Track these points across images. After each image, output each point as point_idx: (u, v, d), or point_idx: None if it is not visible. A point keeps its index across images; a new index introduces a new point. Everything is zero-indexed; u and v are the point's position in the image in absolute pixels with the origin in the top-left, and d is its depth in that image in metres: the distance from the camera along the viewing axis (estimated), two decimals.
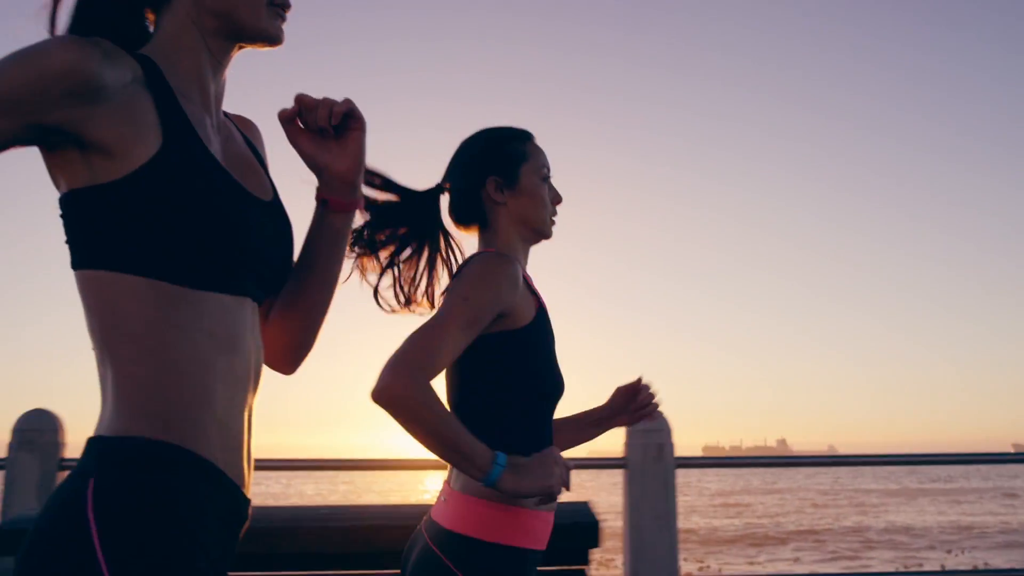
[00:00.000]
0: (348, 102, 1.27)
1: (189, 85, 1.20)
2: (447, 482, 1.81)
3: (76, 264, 1.11)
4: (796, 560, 17.53)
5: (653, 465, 3.61)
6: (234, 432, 1.15)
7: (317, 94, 1.29)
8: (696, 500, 37.00)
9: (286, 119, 1.28)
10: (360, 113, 1.29)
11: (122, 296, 1.09)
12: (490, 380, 1.79)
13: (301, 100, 1.26)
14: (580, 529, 2.53)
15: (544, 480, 1.63)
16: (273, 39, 1.24)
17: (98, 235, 1.09)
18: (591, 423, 2.11)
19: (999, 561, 16.68)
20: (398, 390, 1.57)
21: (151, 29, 1.25)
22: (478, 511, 1.72)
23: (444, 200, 1.97)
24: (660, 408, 2.11)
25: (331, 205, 1.33)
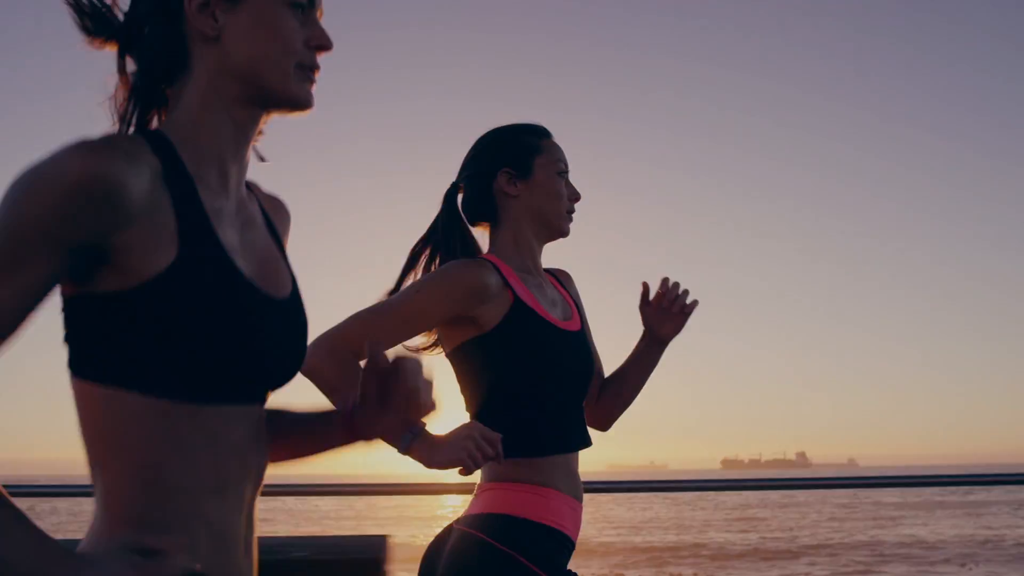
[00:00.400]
0: (428, 408, 1.20)
1: (207, 166, 1.11)
2: (479, 483, 1.85)
3: (73, 369, 1.05)
4: (807, 575, 17.40)
5: None
6: (230, 536, 1.09)
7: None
8: (712, 515, 36.74)
9: (377, 371, 1.18)
10: (430, 415, 1.22)
11: (119, 413, 1.02)
12: (487, 386, 1.81)
13: (406, 377, 1.17)
14: (358, 565, 2.24)
15: (452, 454, 1.64)
16: (303, 104, 1.16)
17: (98, 346, 1.02)
18: (644, 351, 2.06)
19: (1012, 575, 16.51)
20: (314, 362, 1.67)
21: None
22: (508, 493, 1.76)
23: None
24: (694, 299, 2.01)
25: (335, 429, 1.27)
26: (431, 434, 1.68)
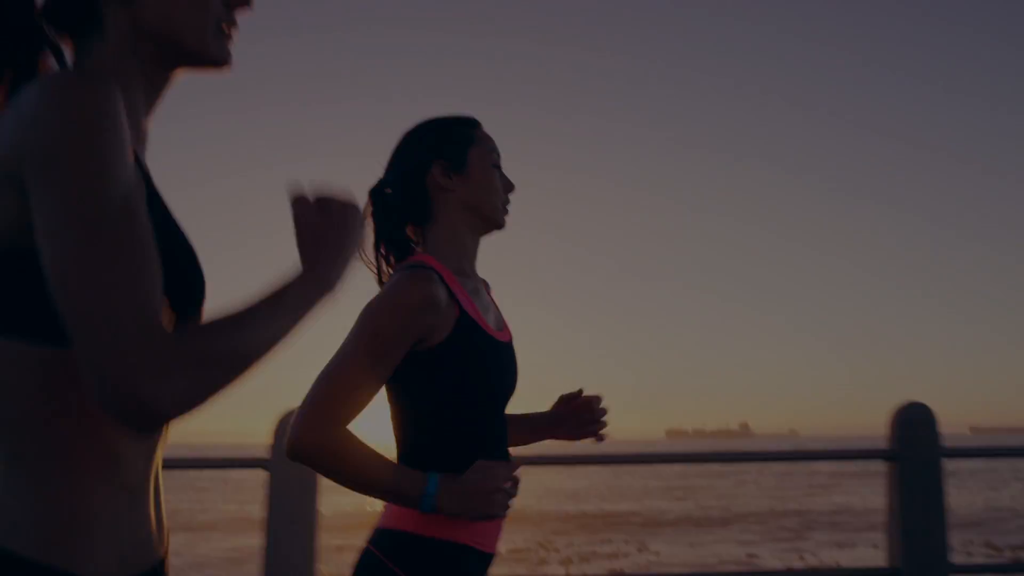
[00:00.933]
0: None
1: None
2: None
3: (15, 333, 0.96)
4: (731, 541, 17.73)
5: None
6: (140, 486, 1.05)
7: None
8: (650, 483, 37.28)
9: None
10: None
11: (11, 369, 0.96)
12: (418, 400, 1.71)
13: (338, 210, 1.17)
14: None
15: (489, 508, 1.64)
16: (222, 63, 1.13)
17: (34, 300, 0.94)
18: (529, 428, 2.01)
19: None
20: (308, 448, 1.56)
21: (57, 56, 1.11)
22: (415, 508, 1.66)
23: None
24: (606, 430, 1.97)
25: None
26: (450, 484, 1.64)
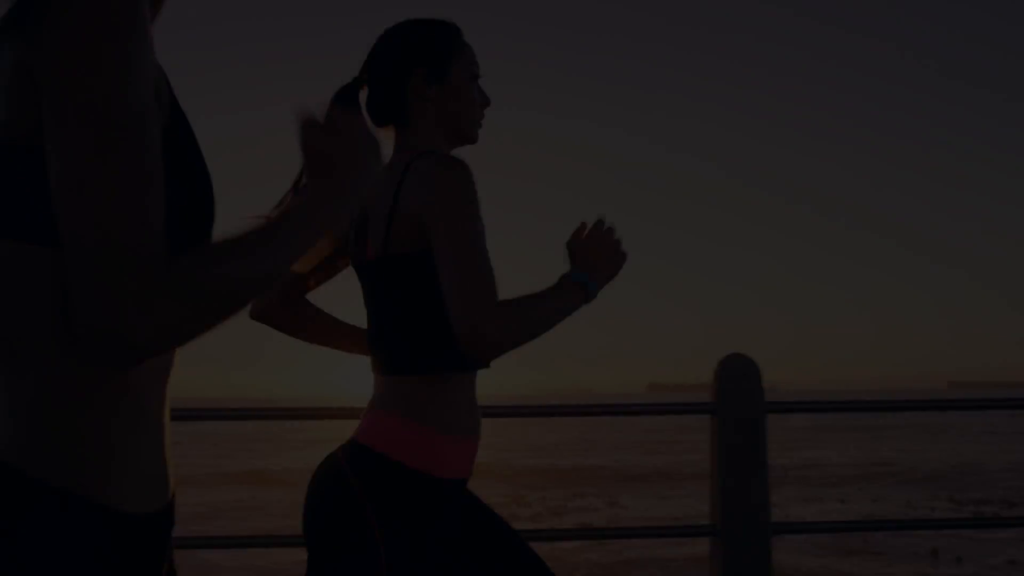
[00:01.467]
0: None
1: None
2: (371, 402, 1.72)
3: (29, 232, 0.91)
4: (701, 496, 17.93)
5: None
6: (161, 428, 1.01)
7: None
8: (626, 437, 37.66)
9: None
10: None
11: (23, 273, 0.90)
12: (422, 296, 1.67)
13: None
14: None
15: (617, 265, 1.76)
16: None
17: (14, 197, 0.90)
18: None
19: (897, 497, 17.24)
20: (503, 340, 1.56)
21: None
22: (394, 428, 1.64)
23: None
24: None
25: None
26: (585, 268, 1.73)
